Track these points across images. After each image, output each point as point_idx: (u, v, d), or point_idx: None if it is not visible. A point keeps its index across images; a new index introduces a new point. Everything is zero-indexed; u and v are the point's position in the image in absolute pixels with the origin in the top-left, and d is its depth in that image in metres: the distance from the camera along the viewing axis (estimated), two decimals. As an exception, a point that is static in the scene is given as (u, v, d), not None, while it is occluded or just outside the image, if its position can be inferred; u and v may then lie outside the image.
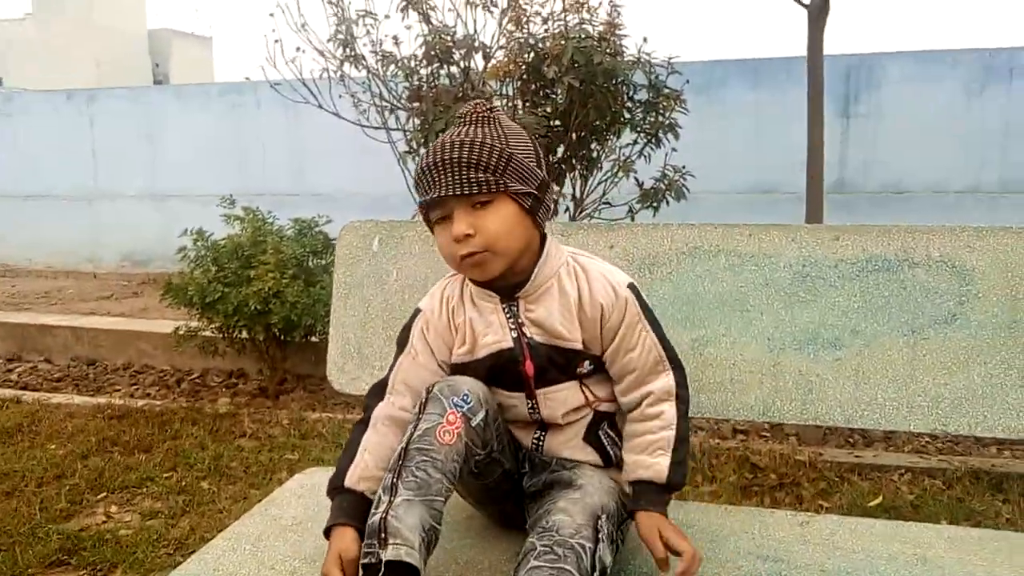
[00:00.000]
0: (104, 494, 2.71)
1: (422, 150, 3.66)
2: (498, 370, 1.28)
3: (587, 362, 1.29)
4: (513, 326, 1.27)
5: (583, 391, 1.30)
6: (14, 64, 20.31)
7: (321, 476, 1.62)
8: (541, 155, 1.28)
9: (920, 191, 6.22)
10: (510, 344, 1.27)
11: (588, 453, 1.31)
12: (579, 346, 1.27)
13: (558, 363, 1.27)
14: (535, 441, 1.31)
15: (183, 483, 2.78)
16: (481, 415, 1.18)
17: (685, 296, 1.56)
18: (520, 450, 1.33)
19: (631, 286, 1.30)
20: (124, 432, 3.25)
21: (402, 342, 1.34)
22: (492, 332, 1.27)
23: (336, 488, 1.24)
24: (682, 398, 1.27)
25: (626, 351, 1.27)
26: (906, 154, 6.17)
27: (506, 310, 1.27)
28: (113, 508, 2.62)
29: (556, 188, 3.53)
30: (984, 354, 1.46)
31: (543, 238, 1.30)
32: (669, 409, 1.25)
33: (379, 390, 1.31)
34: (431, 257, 1.67)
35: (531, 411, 1.30)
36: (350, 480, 1.22)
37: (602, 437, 1.32)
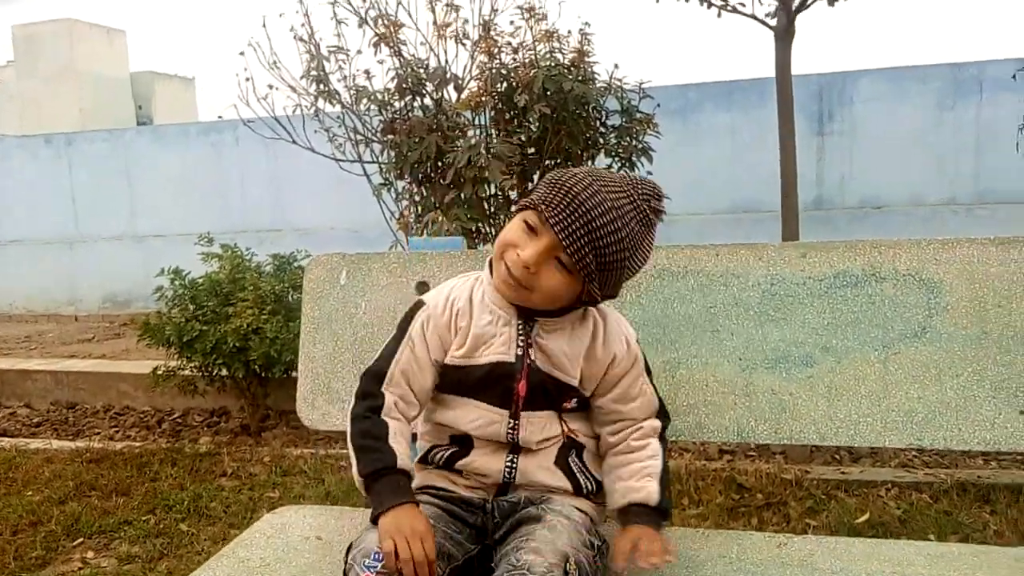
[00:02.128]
0: (81, 540, 2.66)
1: (398, 183, 3.66)
2: (491, 381, 1.26)
3: (575, 400, 1.29)
4: (521, 344, 1.26)
5: (561, 423, 1.30)
6: (-3, 112, 20.27)
7: (292, 515, 1.59)
8: (639, 269, 1.24)
9: (897, 205, 6.28)
10: (512, 359, 1.25)
11: (560, 479, 1.29)
12: (575, 383, 1.27)
13: (549, 392, 1.27)
14: (507, 465, 1.29)
15: (161, 526, 2.73)
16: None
17: (655, 319, 1.55)
18: (487, 503, 1.29)
19: (637, 340, 1.34)
20: (102, 476, 3.20)
21: (401, 331, 1.32)
22: (500, 342, 1.26)
23: (381, 470, 1.21)
24: (665, 439, 1.33)
25: (628, 400, 1.30)
26: (882, 169, 6.25)
27: (520, 327, 1.26)
28: (90, 554, 2.57)
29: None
30: (956, 367, 1.45)
31: None
32: (655, 443, 1.30)
33: (377, 376, 1.29)
34: (398, 288, 1.66)
35: (509, 432, 1.27)
36: (401, 461, 1.22)
37: (571, 464, 1.30)
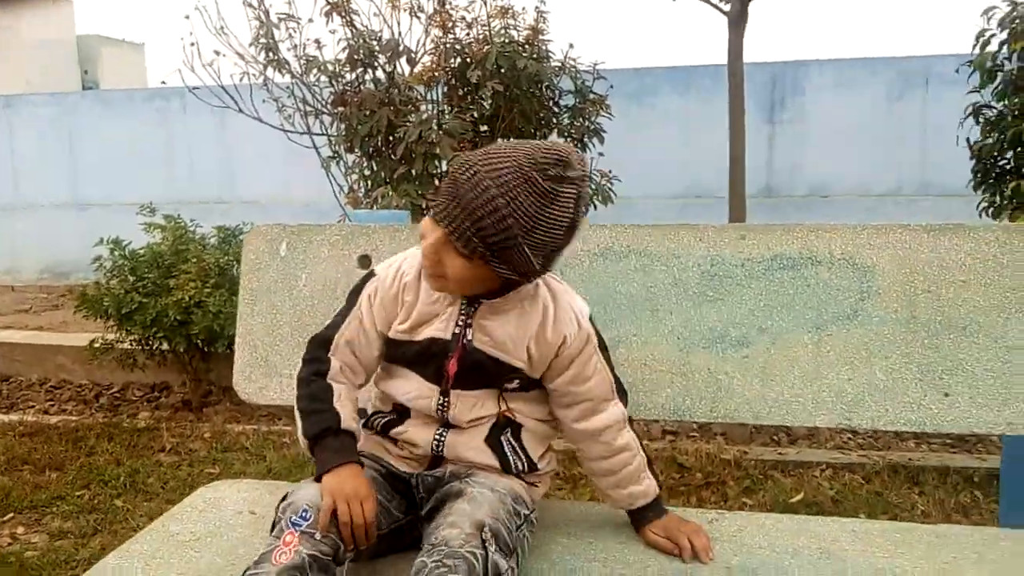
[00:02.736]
0: (11, 515, 2.59)
1: (348, 156, 3.61)
2: (427, 357, 1.27)
3: (516, 381, 1.29)
4: (460, 324, 1.26)
5: (499, 403, 1.30)
6: (-65, 76, 19.42)
7: (227, 489, 1.57)
8: (561, 247, 1.17)
9: (844, 195, 6.41)
10: (447, 337, 1.26)
11: (488, 456, 1.29)
12: (519, 364, 1.26)
13: (488, 372, 1.26)
14: (436, 438, 1.29)
15: (95, 501, 2.66)
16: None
17: (597, 297, 1.56)
18: (412, 477, 1.30)
19: (590, 317, 1.33)
20: (36, 450, 3.11)
21: (350, 301, 1.34)
22: (440, 320, 1.27)
23: (325, 431, 1.23)
24: (630, 419, 1.37)
25: (583, 380, 1.30)
26: (830, 159, 6.36)
27: (463, 307, 1.26)
28: (20, 529, 2.50)
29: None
30: (885, 349, 1.49)
31: None
32: (630, 437, 1.34)
33: (324, 343, 1.31)
34: (341, 261, 1.64)
35: (439, 408, 1.28)
36: (345, 422, 1.24)
37: (504, 443, 1.30)
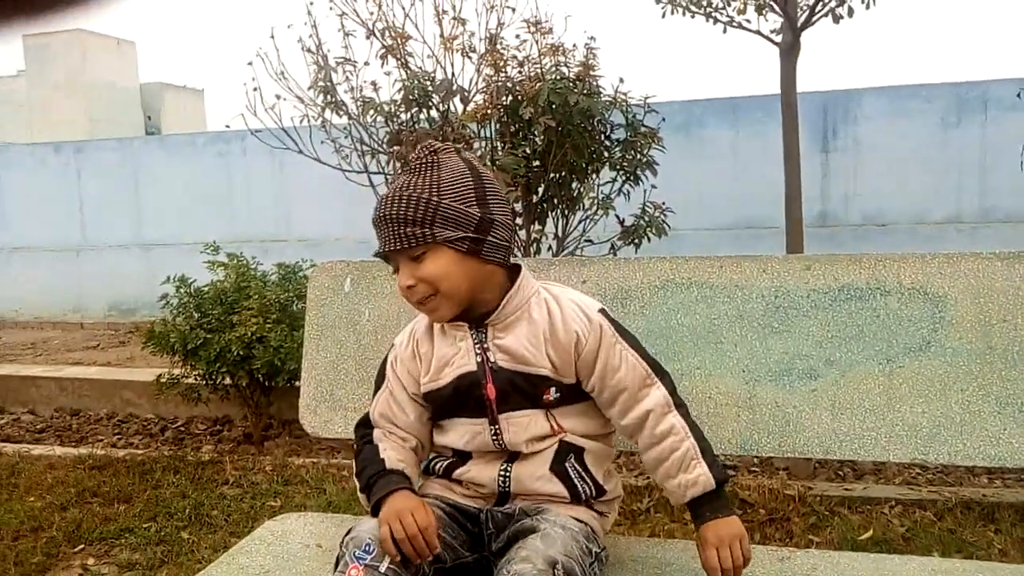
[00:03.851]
0: (81, 546, 2.66)
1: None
2: (462, 394, 1.29)
3: (553, 389, 1.28)
4: (479, 351, 1.29)
5: (548, 420, 1.30)
6: (8, 120, 20.44)
7: (293, 523, 1.59)
8: (486, 193, 1.28)
9: (901, 223, 6.27)
10: (473, 368, 1.28)
11: (555, 485, 1.29)
12: (546, 372, 1.27)
13: (523, 389, 1.28)
14: (501, 474, 1.29)
15: (162, 533, 2.72)
16: (387, 562, 1.16)
17: (658, 330, 1.55)
18: (481, 512, 1.31)
19: (601, 310, 1.33)
20: (104, 483, 3.20)
21: (379, 378, 1.40)
22: (459, 357, 1.30)
23: (373, 476, 1.27)
24: (679, 403, 1.30)
25: (613, 372, 1.28)
26: (886, 187, 6.25)
27: (474, 336, 1.30)
28: (90, 560, 2.56)
29: (538, 227, 3.55)
30: (960, 381, 1.45)
31: (515, 269, 1.32)
32: (677, 420, 1.27)
33: (364, 421, 1.39)
34: (402, 296, 1.66)
35: (495, 438, 1.29)
36: (391, 464, 1.28)
37: (569, 470, 1.30)
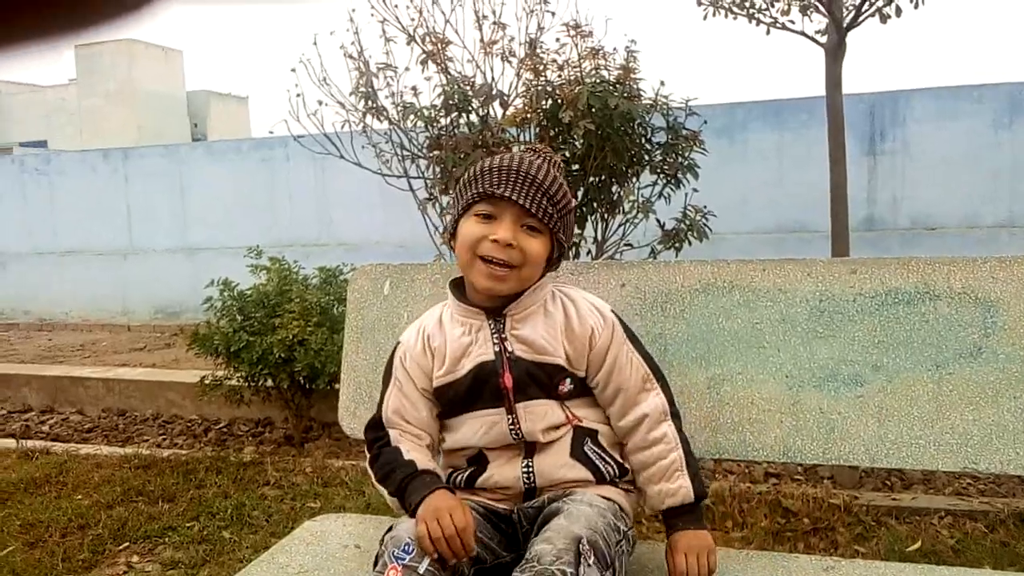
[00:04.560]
0: (126, 544, 2.71)
1: (443, 197, 3.69)
2: (480, 384, 1.30)
3: (568, 380, 1.30)
4: (497, 340, 1.30)
5: (563, 410, 1.31)
6: (59, 128, 21.09)
7: (332, 523, 1.60)
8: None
9: (951, 227, 6.12)
10: (491, 357, 1.29)
11: (579, 470, 1.29)
12: (562, 362, 1.29)
13: (539, 379, 1.29)
14: (524, 470, 1.29)
15: (205, 532, 2.76)
16: (427, 562, 1.15)
17: (699, 334, 1.53)
18: (513, 513, 1.30)
19: (612, 311, 1.36)
20: (149, 482, 3.26)
21: (386, 376, 1.39)
22: (477, 346, 1.30)
23: (405, 479, 1.26)
24: (675, 414, 1.34)
25: (619, 370, 1.31)
26: (935, 190, 6.10)
27: (492, 325, 1.31)
28: (135, 558, 2.61)
29: (578, 231, 3.53)
30: (1013, 388, 1.40)
31: None
32: (669, 429, 1.30)
33: (376, 423, 1.36)
34: (440, 298, 1.66)
35: (512, 428, 1.29)
36: (422, 465, 1.27)
37: (589, 452, 1.30)
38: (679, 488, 1.27)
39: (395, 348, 1.41)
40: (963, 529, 2.63)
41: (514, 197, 1.24)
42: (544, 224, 1.26)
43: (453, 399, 1.32)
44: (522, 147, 1.38)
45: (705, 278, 1.56)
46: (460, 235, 1.30)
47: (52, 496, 3.15)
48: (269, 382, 3.84)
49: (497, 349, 1.29)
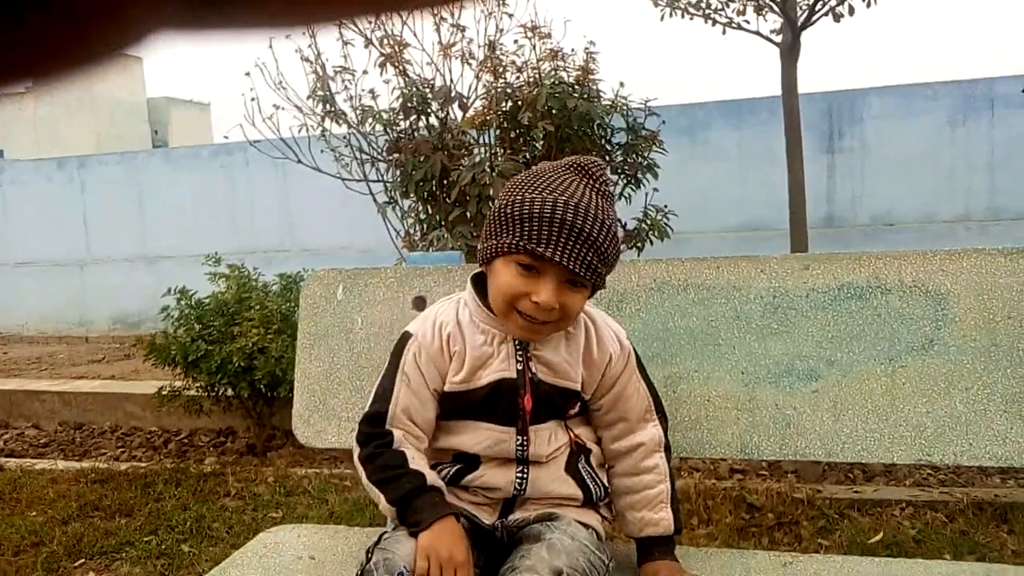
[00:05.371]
0: (82, 560, 2.63)
1: (404, 201, 3.66)
2: (495, 400, 1.23)
3: (578, 405, 1.29)
4: (520, 359, 1.24)
5: (568, 431, 1.29)
6: (15, 137, 20.62)
7: (287, 534, 1.56)
8: None
9: (910, 222, 6.23)
10: (512, 375, 1.23)
11: (571, 486, 1.27)
12: (578, 388, 1.26)
13: (554, 402, 1.26)
14: (518, 478, 1.26)
15: (163, 547, 2.70)
16: None
17: (655, 332, 1.53)
18: (496, 530, 1.27)
19: (628, 338, 1.33)
20: (106, 496, 3.18)
21: (393, 367, 1.28)
22: (498, 360, 1.24)
23: (412, 491, 1.19)
24: (669, 448, 1.32)
25: (626, 398, 1.29)
26: (893, 186, 6.20)
27: (516, 342, 1.24)
28: (90, 575, 2.54)
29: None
30: (965, 380, 1.41)
31: None
32: (661, 462, 1.29)
33: (377, 418, 1.25)
34: (395, 303, 1.64)
35: (519, 448, 1.25)
36: (431, 480, 1.20)
37: (582, 471, 1.28)
38: (661, 520, 1.27)
39: (404, 340, 1.29)
40: (924, 519, 2.66)
41: (561, 261, 1.11)
42: (589, 280, 1.16)
43: (462, 407, 1.26)
44: (570, 162, 1.19)
45: (660, 277, 1.55)
46: (497, 279, 1.19)
47: (5, 513, 3.06)
48: (229, 391, 3.77)
49: (520, 368, 1.24)
